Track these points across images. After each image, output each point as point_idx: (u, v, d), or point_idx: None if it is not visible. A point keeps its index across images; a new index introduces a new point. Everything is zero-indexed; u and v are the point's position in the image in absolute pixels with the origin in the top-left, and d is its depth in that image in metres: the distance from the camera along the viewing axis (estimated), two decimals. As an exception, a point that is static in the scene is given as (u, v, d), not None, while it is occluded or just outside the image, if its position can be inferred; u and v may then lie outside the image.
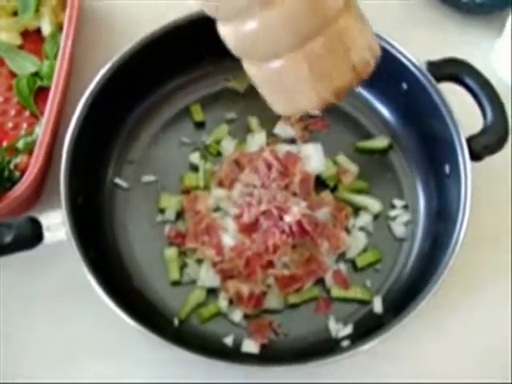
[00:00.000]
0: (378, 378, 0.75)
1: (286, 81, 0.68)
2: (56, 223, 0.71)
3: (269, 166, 0.78)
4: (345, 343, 0.73)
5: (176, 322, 0.75)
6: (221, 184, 0.80)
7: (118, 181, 0.82)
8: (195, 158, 0.83)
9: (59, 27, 0.88)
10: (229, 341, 0.74)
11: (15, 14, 0.90)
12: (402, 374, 0.75)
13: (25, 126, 0.85)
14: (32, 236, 0.69)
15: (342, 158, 0.83)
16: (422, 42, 0.86)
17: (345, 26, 0.66)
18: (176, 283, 0.77)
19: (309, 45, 0.65)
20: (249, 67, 0.71)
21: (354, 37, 0.67)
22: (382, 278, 0.78)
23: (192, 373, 0.73)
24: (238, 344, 0.74)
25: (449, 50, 0.82)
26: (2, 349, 0.75)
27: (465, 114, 0.77)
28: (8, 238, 0.68)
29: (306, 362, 0.68)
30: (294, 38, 0.64)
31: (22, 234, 0.69)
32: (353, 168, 0.83)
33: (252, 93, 0.86)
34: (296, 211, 0.75)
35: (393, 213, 0.81)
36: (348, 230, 0.79)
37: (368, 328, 0.73)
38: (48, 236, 0.70)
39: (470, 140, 0.76)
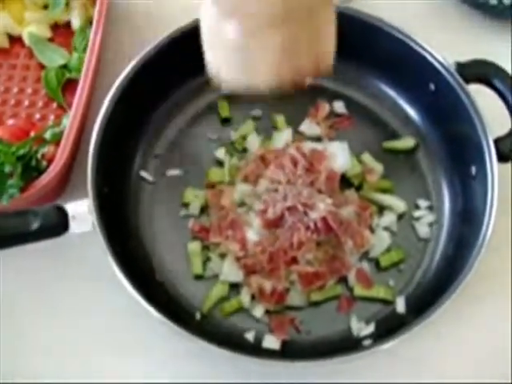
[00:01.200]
0: (398, 378, 0.74)
1: (255, 46, 0.63)
2: (82, 212, 0.71)
3: (294, 163, 0.78)
4: (366, 342, 0.73)
5: (198, 315, 0.75)
6: (246, 179, 0.80)
7: (143, 174, 0.82)
8: (221, 153, 0.83)
9: (89, 21, 0.89)
10: (250, 336, 0.74)
11: (46, 7, 0.91)
12: (421, 375, 0.75)
13: (52, 117, 0.86)
14: (58, 224, 0.70)
15: (367, 157, 0.83)
16: (450, 43, 0.85)
17: (325, 19, 0.65)
18: (199, 277, 0.77)
19: (291, 23, 0.63)
20: (223, 24, 0.64)
21: (329, 33, 0.66)
22: (406, 279, 0.78)
23: (212, 366, 0.73)
24: (259, 340, 0.74)
25: (477, 51, 0.81)
26: (20, 338, 0.75)
27: (492, 115, 0.76)
28: (34, 226, 0.68)
29: (327, 359, 0.68)
30: (282, 12, 0.61)
31: (48, 222, 0.69)
32: (378, 167, 0.82)
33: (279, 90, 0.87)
34: (322, 208, 0.75)
35: (417, 213, 0.81)
36: (372, 229, 0.79)
37: (390, 328, 0.72)
38: (74, 225, 0.70)
39: (497, 141, 0.76)
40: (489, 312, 0.78)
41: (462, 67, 0.79)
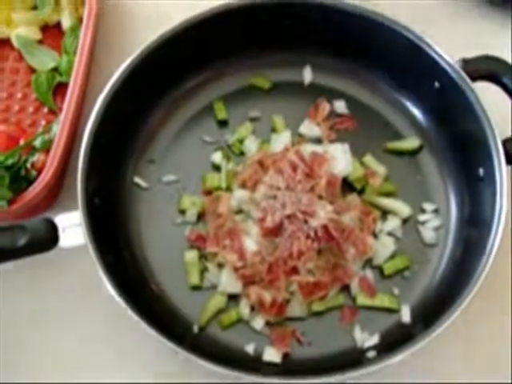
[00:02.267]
0: (397, 377, 0.72)
1: None
2: (72, 224, 0.68)
3: (294, 168, 0.75)
4: (370, 354, 0.71)
5: (195, 328, 0.73)
6: (243, 185, 0.77)
7: (137, 180, 0.80)
8: (217, 157, 0.80)
9: (79, 21, 0.86)
10: (250, 349, 0.72)
11: (35, 8, 0.88)
12: (421, 375, 0.73)
13: (43, 122, 0.83)
14: (47, 238, 0.67)
15: (369, 159, 0.80)
16: (456, 41, 0.82)
17: None
18: (196, 288, 0.75)
19: None
20: None
21: None
22: (411, 286, 0.75)
23: (210, 380, 0.71)
24: (259, 352, 0.72)
25: (483, 47, 0.78)
26: (13, 351, 0.74)
27: (501, 115, 0.74)
28: (22, 241, 0.65)
29: (331, 375, 0.65)
30: None
31: (37, 237, 0.67)
32: (381, 170, 0.79)
33: (277, 90, 0.84)
34: (322, 215, 0.72)
35: (422, 217, 0.78)
36: (375, 235, 0.76)
37: (395, 338, 0.70)
38: (64, 238, 0.68)
39: (505, 142, 0.73)
40: (495, 319, 0.75)
41: (467, 64, 0.75)
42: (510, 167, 0.73)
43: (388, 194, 0.78)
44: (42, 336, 0.74)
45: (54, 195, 0.78)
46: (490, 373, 0.73)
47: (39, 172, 0.74)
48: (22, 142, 0.78)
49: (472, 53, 0.76)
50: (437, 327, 0.66)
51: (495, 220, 0.70)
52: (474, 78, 0.75)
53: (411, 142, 0.81)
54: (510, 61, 0.75)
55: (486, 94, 0.74)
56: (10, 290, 0.76)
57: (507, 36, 0.89)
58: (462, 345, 0.74)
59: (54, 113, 0.83)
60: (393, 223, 0.77)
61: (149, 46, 0.77)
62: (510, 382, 0.73)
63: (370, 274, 0.75)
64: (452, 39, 0.79)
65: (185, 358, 0.65)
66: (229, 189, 0.78)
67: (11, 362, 0.73)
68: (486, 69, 0.75)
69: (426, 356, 0.73)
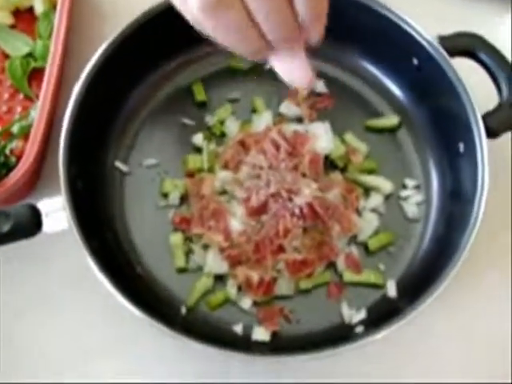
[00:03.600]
0: (390, 367, 0.73)
1: None
2: (55, 209, 0.67)
3: (276, 147, 0.75)
4: (358, 329, 0.71)
5: (184, 310, 0.72)
6: (226, 166, 0.77)
7: (118, 164, 0.79)
8: (198, 139, 0.79)
9: (53, 6, 0.84)
10: (238, 329, 0.72)
11: (6, -8, 0.86)
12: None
13: (19, 109, 0.81)
14: (31, 224, 0.66)
15: (350, 137, 0.80)
16: (433, 17, 0.82)
17: None
18: (182, 270, 0.74)
19: None
20: None
21: None
22: (396, 261, 0.76)
23: (201, 363, 0.71)
24: (248, 332, 0.72)
25: (460, 23, 0.78)
26: (2, 344, 0.72)
27: (479, 90, 0.74)
28: (6, 227, 0.64)
29: (319, 352, 0.65)
30: None
31: (21, 223, 0.65)
32: (362, 147, 0.80)
33: (256, 71, 0.84)
34: (307, 193, 0.72)
35: (404, 193, 0.79)
36: (359, 212, 0.77)
37: (382, 313, 0.71)
38: (47, 223, 0.67)
39: (485, 117, 0.73)
40: (486, 299, 0.77)
41: (445, 40, 0.76)
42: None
43: (370, 171, 0.79)
44: (30, 325, 0.73)
45: (35, 181, 0.77)
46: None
47: (18, 158, 0.73)
48: (-1, 129, 0.77)
49: (448, 29, 0.76)
50: (422, 302, 0.66)
51: (477, 194, 0.70)
52: (451, 54, 0.75)
53: (390, 120, 0.82)
54: (487, 37, 0.76)
55: (465, 69, 0.75)
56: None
57: (484, 12, 0.90)
58: (453, 337, 0.76)
59: (29, 99, 0.81)
60: (375, 200, 0.78)
61: (124, 30, 0.76)
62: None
63: (355, 250, 0.75)
64: (428, 16, 0.79)
65: (174, 338, 0.64)
66: (211, 170, 0.77)
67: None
68: (463, 45, 0.75)
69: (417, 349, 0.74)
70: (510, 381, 0.74)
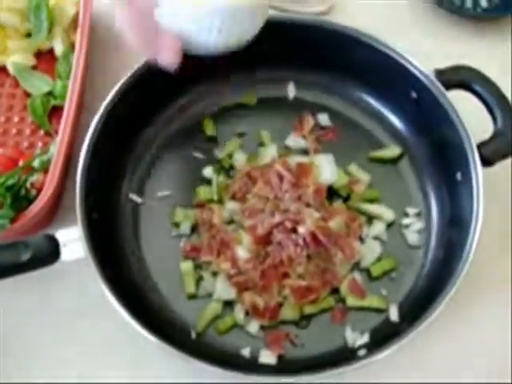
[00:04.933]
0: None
1: None
2: (72, 239, 0.71)
3: (281, 178, 0.79)
4: (361, 352, 0.73)
5: (193, 334, 0.75)
6: (234, 197, 0.80)
7: (132, 196, 0.83)
8: (208, 172, 0.83)
9: (72, 47, 0.90)
10: (246, 352, 0.75)
11: (28, 35, 0.92)
12: (419, 375, 0.76)
13: (40, 144, 0.87)
14: (49, 253, 0.70)
15: (353, 168, 0.84)
16: (430, 51, 0.86)
17: None
18: (192, 296, 0.77)
19: None
20: None
21: None
22: (398, 287, 0.79)
23: (210, 382, 0.73)
24: (255, 355, 0.74)
25: (457, 57, 0.83)
26: (16, 366, 0.76)
27: (474, 120, 0.77)
28: (25, 257, 0.68)
29: (322, 372, 0.68)
30: None
31: (40, 252, 0.69)
32: (365, 177, 0.83)
33: (262, 106, 0.87)
34: (310, 222, 0.75)
35: (406, 221, 0.82)
36: (362, 240, 0.80)
37: (385, 336, 0.72)
38: (65, 253, 0.71)
39: (480, 146, 0.76)
40: (486, 312, 0.79)
41: (441, 74, 0.79)
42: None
43: (372, 200, 0.82)
44: (44, 349, 0.77)
45: (54, 212, 0.81)
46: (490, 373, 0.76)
47: (39, 191, 0.77)
48: (20, 163, 0.81)
49: (443, 62, 0.80)
50: (421, 323, 0.69)
51: (473, 221, 0.73)
52: (448, 87, 0.79)
53: (392, 151, 0.85)
54: (481, 69, 0.79)
55: (461, 101, 0.78)
56: (12, 304, 0.78)
57: (477, 43, 0.94)
58: (452, 337, 0.78)
59: (49, 135, 0.87)
60: (378, 227, 0.81)
61: (139, 68, 0.81)
62: (510, 382, 0.75)
63: (358, 276, 0.78)
64: (423, 49, 0.83)
65: (185, 361, 0.67)
66: (220, 201, 0.81)
67: (11, 375, 0.75)
68: (459, 78, 0.79)
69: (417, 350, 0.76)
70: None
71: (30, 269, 0.70)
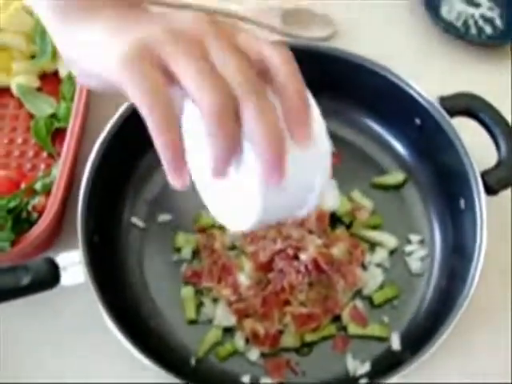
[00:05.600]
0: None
1: None
2: (73, 263, 0.71)
3: (283, 204, 0.78)
4: (363, 381, 0.73)
5: (193, 361, 0.75)
6: (236, 222, 0.80)
7: (134, 220, 0.83)
8: (210, 197, 0.83)
9: (76, 69, 0.90)
10: (246, 380, 0.74)
11: (33, 57, 0.92)
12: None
13: (42, 166, 0.86)
14: (49, 277, 0.69)
15: (356, 194, 0.83)
16: (434, 77, 0.86)
17: None
18: (193, 322, 0.77)
19: None
20: None
21: None
22: (400, 315, 0.78)
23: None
24: (255, 383, 0.74)
25: (461, 83, 0.82)
26: None
27: (479, 147, 0.77)
28: (25, 281, 0.68)
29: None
30: None
31: (39, 276, 0.69)
32: (368, 204, 0.83)
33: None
34: (312, 249, 0.75)
35: (409, 248, 0.81)
36: (364, 267, 0.79)
37: (386, 365, 0.72)
38: (65, 277, 0.70)
39: (484, 174, 0.76)
40: (487, 341, 0.78)
41: (445, 101, 0.79)
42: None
43: (375, 227, 0.82)
44: (42, 372, 0.76)
45: (55, 235, 0.81)
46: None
47: (40, 214, 0.77)
48: (23, 185, 0.81)
49: (447, 88, 0.80)
50: (424, 353, 0.68)
51: (476, 249, 0.73)
52: (451, 114, 0.78)
53: (395, 177, 0.85)
54: (485, 96, 0.79)
55: (465, 129, 0.78)
56: (10, 327, 0.78)
57: (482, 69, 0.94)
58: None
59: (52, 157, 0.86)
60: (380, 254, 0.80)
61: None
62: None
63: (360, 303, 0.77)
64: (427, 75, 0.83)
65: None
66: (222, 227, 0.81)
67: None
68: (463, 105, 0.79)
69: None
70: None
71: (29, 293, 0.69)
